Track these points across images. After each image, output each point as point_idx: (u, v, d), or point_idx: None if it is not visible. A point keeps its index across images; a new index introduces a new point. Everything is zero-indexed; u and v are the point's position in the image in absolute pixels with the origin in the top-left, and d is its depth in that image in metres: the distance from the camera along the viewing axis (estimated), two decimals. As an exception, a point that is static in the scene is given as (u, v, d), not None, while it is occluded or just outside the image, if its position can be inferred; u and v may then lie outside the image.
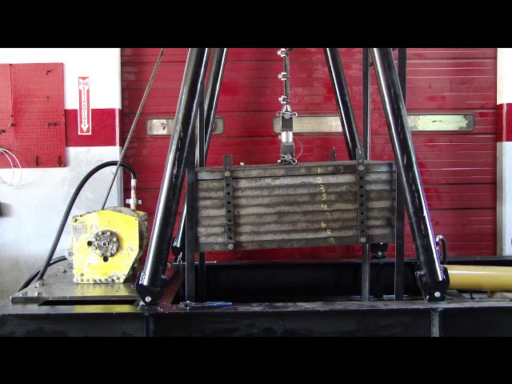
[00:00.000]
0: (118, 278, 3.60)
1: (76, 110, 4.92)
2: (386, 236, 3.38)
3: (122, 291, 3.43)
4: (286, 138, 3.64)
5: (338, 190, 3.34)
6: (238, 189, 3.33)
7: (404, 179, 3.15)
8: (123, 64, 5.04)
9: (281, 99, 3.70)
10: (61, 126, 4.90)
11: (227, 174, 3.30)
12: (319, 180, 3.33)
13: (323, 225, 3.33)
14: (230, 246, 3.32)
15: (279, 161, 3.62)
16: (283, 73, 3.73)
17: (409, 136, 3.16)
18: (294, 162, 3.55)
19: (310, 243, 3.37)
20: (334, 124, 5.07)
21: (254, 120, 5.11)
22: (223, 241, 3.33)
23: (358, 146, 4.37)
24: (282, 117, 3.65)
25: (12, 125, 4.89)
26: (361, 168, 3.31)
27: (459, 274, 3.81)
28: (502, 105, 5.07)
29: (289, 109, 3.67)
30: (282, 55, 3.73)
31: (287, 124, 3.65)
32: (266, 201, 3.33)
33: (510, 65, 5.03)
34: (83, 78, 4.90)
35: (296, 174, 3.34)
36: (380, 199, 3.34)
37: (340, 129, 4.60)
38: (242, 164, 3.69)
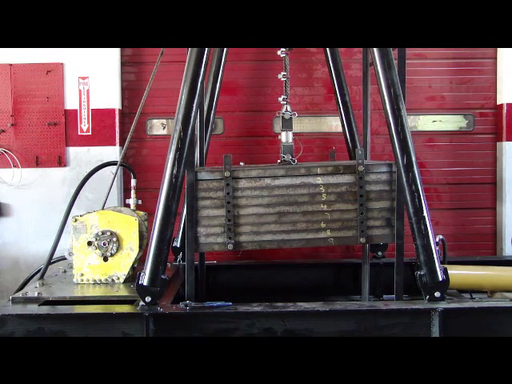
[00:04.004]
0: (118, 278, 3.60)
1: (76, 110, 4.92)
2: (385, 236, 3.38)
3: (122, 291, 3.42)
4: (285, 138, 3.63)
5: (338, 190, 3.34)
6: (238, 189, 3.33)
7: (404, 179, 3.15)
8: (123, 64, 5.04)
9: (280, 99, 3.70)
10: (61, 126, 4.90)
11: (227, 174, 3.30)
12: (319, 180, 3.33)
13: (323, 225, 3.33)
14: (230, 246, 3.32)
15: (279, 161, 3.62)
16: (283, 73, 3.73)
17: (409, 136, 3.16)
18: (293, 162, 3.55)
19: (310, 243, 3.37)
20: (333, 124, 5.07)
21: (254, 120, 5.10)
22: (223, 241, 3.33)
23: (358, 146, 4.37)
24: (282, 117, 3.65)
25: (12, 125, 4.89)
26: (360, 168, 3.30)
27: (459, 273, 3.81)
28: (501, 105, 5.07)
29: (289, 109, 3.67)
30: (281, 55, 3.73)
31: (287, 124, 3.65)
32: (266, 201, 3.33)
33: (510, 65, 5.02)
34: (83, 78, 4.90)
35: (296, 174, 3.33)
36: (380, 199, 3.34)
37: (340, 129, 4.60)
38: (241, 164, 3.69)
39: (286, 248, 3.44)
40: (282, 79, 3.74)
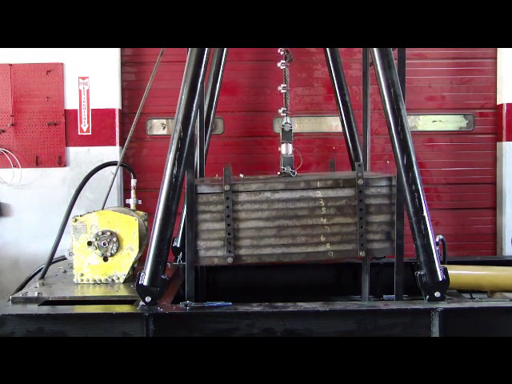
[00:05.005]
0: (118, 278, 3.60)
1: (76, 110, 4.92)
2: (385, 250, 3.37)
3: (122, 291, 3.42)
4: (285, 149, 3.63)
5: (338, 203, 3.32)
6: (238, 202, 3.30)
7: (404, 179, 3.14)
8: (123, 64, 5.05)
9: (280, 111, 3.70)
10: (61, 126, 4.91)
11: (227, 187, 3.27)
12: (318, 194, 3.31)
13: (322, 238, 3.32)
14: (230, 260, 3.30)
15: (279, 173, 3.61)
16: (283, 85, 3.73)
17: (409, 136, 3.15)
18: (293, 174, 3.54)
19: (310, 257, 3.35)
20: (333, 124, 5.08)
21: (254, 120, 5.11)
22: (222, 254, 3.30)
23: (358, 146, 4.37)
24: (282, 129, 3.64)
25: (12, 125, 4.90)
26: (360, 182, 3.29)
27: (459, 273, 3.81)
28: (501, 105, 5.07)
29: (288, 121, 3.66)
30: (281, 67, 3.72)
31: (287, 136, 3.63)
32: (266, 214, 3.31)
33: (510, 65, 5.03)
34: (83, 78, 4.90)
35: (295, 188, 3.31)
36: (379, 213, 3.33)
37: (340, 129, 4.60)
38: (241, 176, 3.68)
39: (285, 262, 3.41)
40: (282, 91, 3.73)
